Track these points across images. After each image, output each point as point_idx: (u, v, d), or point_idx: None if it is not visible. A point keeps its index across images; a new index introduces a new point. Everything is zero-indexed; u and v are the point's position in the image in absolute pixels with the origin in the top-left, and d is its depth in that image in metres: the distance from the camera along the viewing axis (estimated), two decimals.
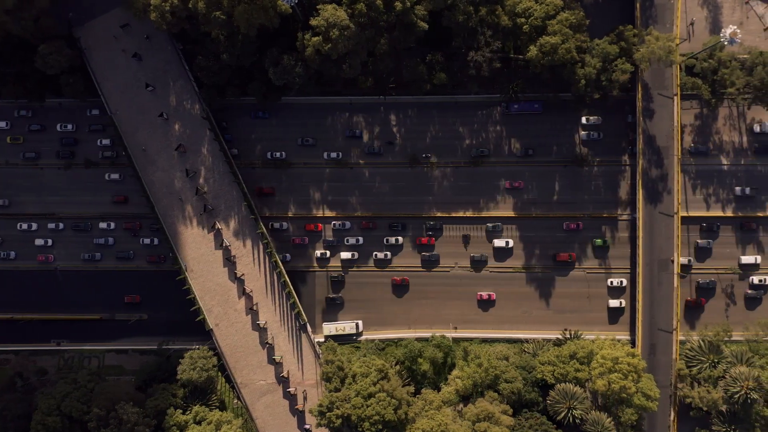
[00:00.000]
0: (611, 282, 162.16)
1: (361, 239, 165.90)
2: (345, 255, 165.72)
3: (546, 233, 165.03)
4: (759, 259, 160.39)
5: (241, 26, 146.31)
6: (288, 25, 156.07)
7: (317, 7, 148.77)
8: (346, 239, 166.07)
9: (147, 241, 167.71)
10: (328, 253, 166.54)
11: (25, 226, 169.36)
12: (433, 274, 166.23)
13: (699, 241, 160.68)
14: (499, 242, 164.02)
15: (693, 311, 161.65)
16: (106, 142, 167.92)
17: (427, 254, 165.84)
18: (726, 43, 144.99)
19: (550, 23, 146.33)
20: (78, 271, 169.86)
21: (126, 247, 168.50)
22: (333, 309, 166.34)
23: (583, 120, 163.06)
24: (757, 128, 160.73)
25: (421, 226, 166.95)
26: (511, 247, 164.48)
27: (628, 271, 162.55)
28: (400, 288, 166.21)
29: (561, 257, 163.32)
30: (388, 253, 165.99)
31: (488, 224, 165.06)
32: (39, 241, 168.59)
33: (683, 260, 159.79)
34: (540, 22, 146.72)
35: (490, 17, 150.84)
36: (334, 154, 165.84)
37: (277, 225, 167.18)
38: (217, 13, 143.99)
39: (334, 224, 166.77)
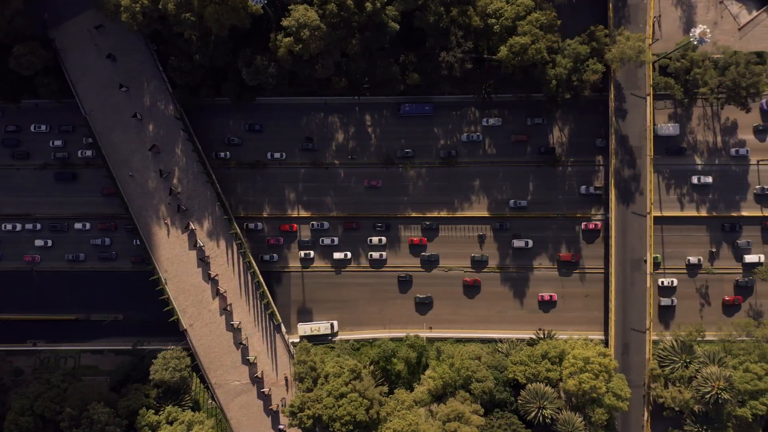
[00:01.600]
0: (662, 282, 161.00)
1: (336, 239, 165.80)
2: (338, 255, 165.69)
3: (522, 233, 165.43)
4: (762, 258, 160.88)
5: (212, 27, 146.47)
6: (261, 25, 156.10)
7: (289, 7, 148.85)
8: (321, 239, 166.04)
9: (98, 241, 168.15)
10: (312, 253, 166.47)
11: (9, 226, 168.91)
12: (432, 275, 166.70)
13: (738, 241, 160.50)
14: (518, 243, 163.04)
15: (730, 309, 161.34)
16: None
17: (426, 254, 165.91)
18: (695, 42, 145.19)
19: (520, 24, 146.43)
20: (54, 271, 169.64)
21: (107, 248, 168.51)
22: (423, 309, 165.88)
23: (483, 122, 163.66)
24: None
25: (398, 226, 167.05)
26: (531, 248, 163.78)
27: (602, 270, 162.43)
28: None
29: (565, 257, 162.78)
30: (383, 253, 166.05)
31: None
32: (39, 242, 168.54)
33: (693, 259, 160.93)
34: (510, 22, 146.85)
35: (462, 18, 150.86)
36: (277, 155, 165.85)
37: (252, 225, 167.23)
38: (186, 14, 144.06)
39: (312, 224, 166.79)
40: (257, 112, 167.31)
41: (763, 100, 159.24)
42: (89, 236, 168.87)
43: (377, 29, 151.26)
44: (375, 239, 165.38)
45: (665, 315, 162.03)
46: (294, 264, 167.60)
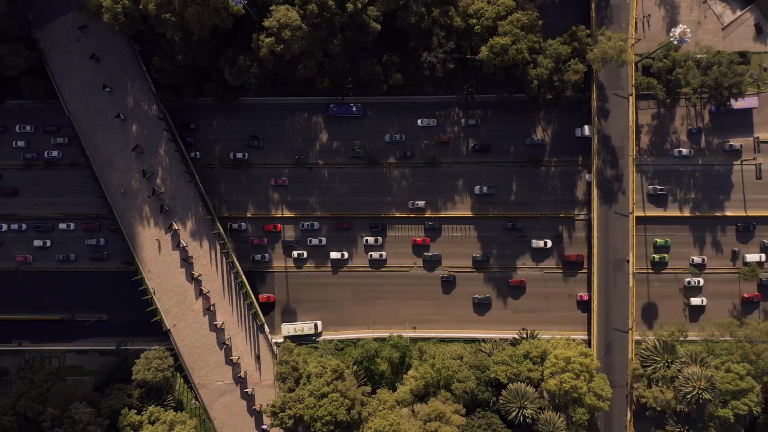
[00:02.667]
0: (689, 282, 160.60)
1: (324, 239, 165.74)
2: (335, 255, 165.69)
3: (499, 232, 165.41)
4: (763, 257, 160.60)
5: (194, 27, 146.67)
6: (244, 25, 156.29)
7: (270, 8, 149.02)
8: (309, 239, 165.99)
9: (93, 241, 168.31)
10: (305, 253, 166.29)
11: (5, 227, 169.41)
12: (433, 275, 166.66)
13: (764, 240, 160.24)
14: (537, 243, 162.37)
15: (749, 306, 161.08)
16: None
17: (428, 254, 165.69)
18: (675, 42, 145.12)
19: (501, 24, 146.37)
20: (40, 272, 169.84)
21: (100, 248, 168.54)
22: (481, 309, 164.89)
23: (419, 122, 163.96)
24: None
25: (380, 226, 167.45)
26: (550, 248, 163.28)
27: (585, 271, 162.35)
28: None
29: (570, 257, 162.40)
30: (384, 253, 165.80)
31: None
32: (37, 242, 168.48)
33: (698, 259, 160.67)
34: (491, 22, 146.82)
35: (443, 18, 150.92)
36: (239, 155, 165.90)
37: (235, 225, 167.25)
38: (167, 15, 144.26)
39: (302, 224, 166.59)
40: (239, 112, 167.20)
41: (712, 105, 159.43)
42: (74, 237, 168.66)
43: (359, 29, 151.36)
44: (371, 239, 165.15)
45: (695, 314, 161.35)
46: (278, 264, 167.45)
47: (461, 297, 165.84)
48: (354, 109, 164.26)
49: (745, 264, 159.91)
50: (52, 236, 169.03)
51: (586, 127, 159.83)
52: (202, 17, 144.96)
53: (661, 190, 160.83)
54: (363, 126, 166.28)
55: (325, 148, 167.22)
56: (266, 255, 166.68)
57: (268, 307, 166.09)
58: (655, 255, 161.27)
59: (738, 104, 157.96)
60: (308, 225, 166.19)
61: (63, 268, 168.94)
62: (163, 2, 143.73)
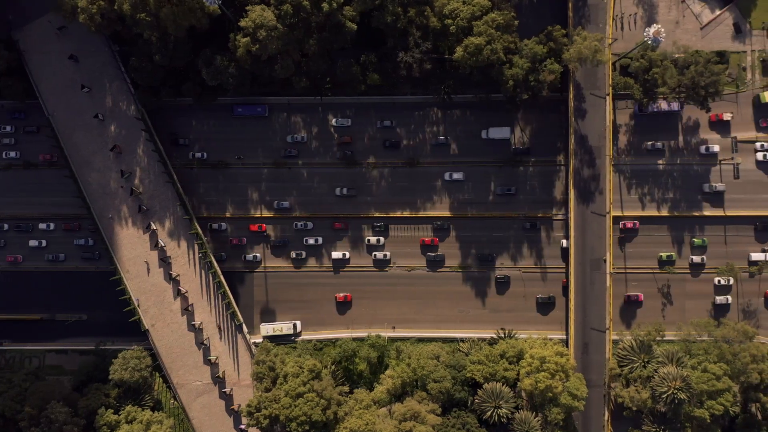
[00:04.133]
0: (718, 281, 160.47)
1: (320, 239, 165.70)
2: (336, 255, 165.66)
3: (481, 233, 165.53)
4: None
5: (169, 27, 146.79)
6: (222, 25, 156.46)
7: (246, 8, 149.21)
8: (305, 239, 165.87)
9: (81, 242, 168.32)
10: (304, 254, 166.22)
11: None
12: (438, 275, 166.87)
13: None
14: (565, 243, 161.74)
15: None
16: None
17: (432, 254, 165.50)
18: (650, 42, 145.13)
19: (476, 24, 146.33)
20: (20, 271, 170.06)
21: (90, 248, 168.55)
22: (545, 309, 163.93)
23: (333, 121, 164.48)
24: None
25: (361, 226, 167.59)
26: (566, 248, 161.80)
27: (563, 270, 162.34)
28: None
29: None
30: (388, 253, 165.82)
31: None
32: (33, 242, 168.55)
33: (697, 259, 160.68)
34: (466, 23, 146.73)
35: (419, 18, 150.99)
36: (199, 154, 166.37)
37: (216, 225, 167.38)
38: (142, 15, 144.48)
39: (296, 224, 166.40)
40: (220, 112, 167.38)
41: (637, 105, 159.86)
42: (66, 237, 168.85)
43: (335, 29, 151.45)
44: (373, 239, 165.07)
45: (720, 313, 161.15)
46: (270, 264, 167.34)
47: (442, 296, 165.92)
48: (259, 109, 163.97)
49: (753, 263, 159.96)
50: (36, 236, 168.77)
51: (492, 130, 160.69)
52: (178, 17, 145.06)
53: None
54: (269, 126, 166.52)
55: (305, 147, 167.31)
56: (257, 255, 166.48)
57: (345, 306, 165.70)
58: (662, 254, 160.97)
59: (663, 107, 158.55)
60: (301, 225, 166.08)
61: (52, 268, 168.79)
62: (137, 2, 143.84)
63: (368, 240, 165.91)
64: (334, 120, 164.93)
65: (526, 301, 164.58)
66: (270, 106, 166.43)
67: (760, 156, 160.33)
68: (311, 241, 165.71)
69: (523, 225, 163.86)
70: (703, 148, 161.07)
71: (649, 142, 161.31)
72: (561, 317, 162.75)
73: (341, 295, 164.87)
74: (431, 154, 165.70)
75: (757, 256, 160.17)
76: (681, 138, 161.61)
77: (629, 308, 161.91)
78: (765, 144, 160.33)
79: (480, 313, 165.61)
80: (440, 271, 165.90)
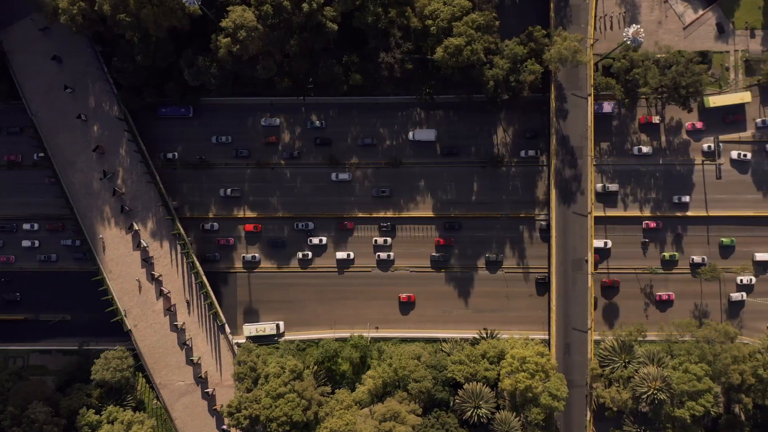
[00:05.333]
0: (741, 280, 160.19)
1: (324, 239, 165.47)
2: (340, 255, 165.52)
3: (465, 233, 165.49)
4: None
5: (150, 28, 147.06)
6: (205, 26, 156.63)
7: (227, 8, 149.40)
8: (309, 239, 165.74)
9: (68, 242, 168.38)
10: (310, 254, 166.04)
11: None
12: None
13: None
14: (597, 243, 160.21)
15: None
16: None
17: (438, 255, 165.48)
18: (629, 42, 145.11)
19: (455, 25, 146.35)
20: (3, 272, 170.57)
21: (78, 248, 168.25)
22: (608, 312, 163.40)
23: (262, 121, 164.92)
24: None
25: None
26: (609, 248, 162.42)
27: (545, 270, 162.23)
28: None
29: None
30: (392, 253, 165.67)
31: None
32: (26, 243, 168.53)
33: (698, 258, 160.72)
34: (446, 23, 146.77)
35: (400, 19, 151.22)
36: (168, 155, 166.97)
37: (208, 226, 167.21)
38: (122, 15, 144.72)
39: (296, 224, 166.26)
40: (203, 113, 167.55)
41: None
42: (45, 237, 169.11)
43: (316, 30, 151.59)
44: (380, 240, 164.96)
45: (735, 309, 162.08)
46: (266, 265, 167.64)
47: (425, 296, 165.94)
48: (183, 110, 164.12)
49: (756, 263, 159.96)
50: (24, 237, 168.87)
51: (418, 131, 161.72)
52: (158, 18, 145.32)
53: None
54: (193, 126, 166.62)
55: (286, 147, 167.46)
56: (255, 255, 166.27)
57: (408, 306, 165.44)
58: (665, 253, 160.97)
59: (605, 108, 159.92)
60: (303, 225, 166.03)
61: (44, 268, 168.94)
62: (117, 3, 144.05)
63: (375, 240, 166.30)
64: (262, 120, 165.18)
65: (509, 301, 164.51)
66: (198, 108, 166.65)
67: (705, 148, 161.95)
68: (315, 240, 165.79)
69: (507, 225, 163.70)
70: (636, 150, 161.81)
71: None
72: (544, 317, 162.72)
73: (404, 295, 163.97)
74: (412, 154, 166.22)
75: (761, 256, 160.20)
76: (614, 139, 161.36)
77: (661, 307, 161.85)
78: (712, 146, 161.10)
79: (463, 313, 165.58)
80: (423, 272, 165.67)
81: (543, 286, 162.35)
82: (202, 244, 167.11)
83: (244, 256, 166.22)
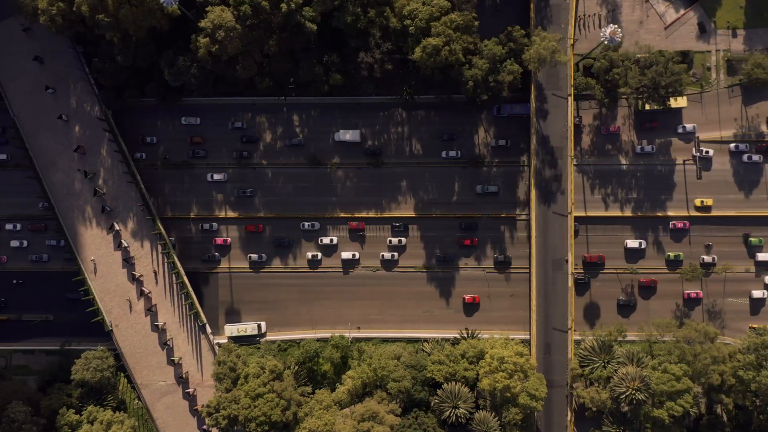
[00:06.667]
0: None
1: (335, 239, 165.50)
2: (345, 255, 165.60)
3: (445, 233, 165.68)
4: None
5: (129, 28, 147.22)
6: (186, 26, 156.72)
7: (206, 9, 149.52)
8: (320, 239, 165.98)
9: (53, 242, 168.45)
10: (319, 254, 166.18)
11: None
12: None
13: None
14: (632, 243, 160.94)
15: None
16: None
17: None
18: (606, 42, 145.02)
19: (434, 25, 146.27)
20: None
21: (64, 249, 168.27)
22: (626, 311, 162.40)
23: (182, 120, 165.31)
24: None
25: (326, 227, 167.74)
26: (644, 248, 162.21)
27: (527, 270, 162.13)
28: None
29: (591, 258, 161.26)
30: (395, 253, 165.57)
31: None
32: (14, 243, 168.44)
33: (708, 258, 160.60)
34: (424, 23, 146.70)
35: (379, 19, 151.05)
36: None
37: (207, 226, 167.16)
38: (100, 16, 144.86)
39: (303, 224, 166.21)
40: (185, 113, 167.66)
41: (495, 107, 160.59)
42: (34, 237, 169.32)
43: (296, 30, 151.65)
44: (395, 240, 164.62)
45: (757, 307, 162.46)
46: (239, 265, 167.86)
47: (406, 296, 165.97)
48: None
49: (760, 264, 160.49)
50: (15, 236, 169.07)
51: (341, 132, 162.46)
52: (137, 18, 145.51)
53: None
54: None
55: (269, 147, 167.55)
56: (263, 255, 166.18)
57: (473, 308, 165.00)
58: (669, 253, 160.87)
59: (518, 109, 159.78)
60: (309, 225, 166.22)
61: (37, 269, 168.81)
62: (96, 4, 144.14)
63: (331, 240, 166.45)
64: (183, 119, 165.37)
65: (491, 301, 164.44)
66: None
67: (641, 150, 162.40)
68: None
69: (488, 225, 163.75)
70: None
71: (501, 141, 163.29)
72: (525, 317, 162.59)
73: (469, 296, 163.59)
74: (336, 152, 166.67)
75: (762, 256, 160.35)
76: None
77: (689, 306, 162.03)
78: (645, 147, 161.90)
79: (445, 312, 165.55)
80: (405, 271, 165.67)
81: (583, 286, 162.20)
82: (200, 245, 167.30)
83: (250, 256, 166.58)
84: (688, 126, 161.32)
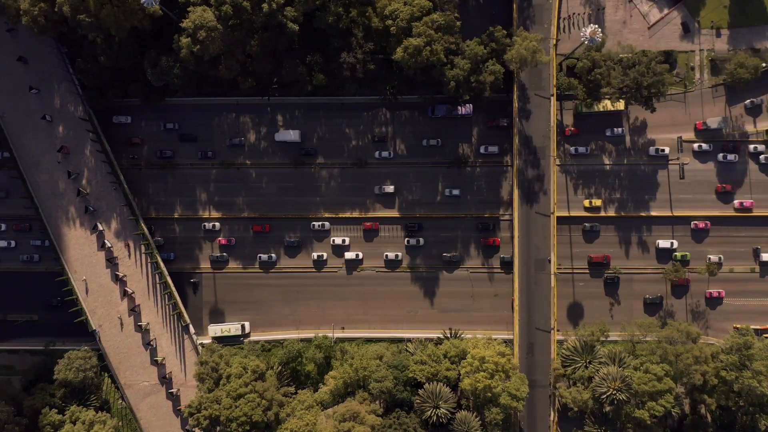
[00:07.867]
0: None
1: (347, 239, 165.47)
2: (349, 255, 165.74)
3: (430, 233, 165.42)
4: None
5: (111, 29, 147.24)
6: (169, 26, 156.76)
7: (188, 9, 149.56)
8: (332, 239, 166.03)
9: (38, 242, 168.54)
10: (324, 255, 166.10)
11: None
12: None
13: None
14: (664, 243, 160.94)
15: None
16: None
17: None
18: (587, 42, 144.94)
19: (415, 25, 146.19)
20: None
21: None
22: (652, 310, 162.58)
23: (113, 118, 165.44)
24: None
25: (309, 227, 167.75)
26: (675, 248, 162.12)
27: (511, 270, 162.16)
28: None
29: (596, 258, 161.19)
30: (399, 253, 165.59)
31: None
32: (1, 243, 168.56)
33: (714, 257, 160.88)
34: (405, 23, 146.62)
35: (361, 19, 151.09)
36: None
37: (209, 226, 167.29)
38: (82, 16, 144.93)
39: (313, 225, 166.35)
40: (171, 113, 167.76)
41: (430, 107, 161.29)
42: (21, 237, 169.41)
43: (278, 30, 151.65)
44: (413, 240, 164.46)
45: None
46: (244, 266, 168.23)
47: (391, 296, 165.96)
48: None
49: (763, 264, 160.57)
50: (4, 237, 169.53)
51: (280, 132, 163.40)
52: (119, 18, 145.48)
53: None
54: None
55: (254, 147, 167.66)
56: (272, 255, 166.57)
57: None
58: (677, 253, 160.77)
59: (463, 110, 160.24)
60: (320, 225, 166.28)
61: (29, 269, 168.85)
62: (77, 4, 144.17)
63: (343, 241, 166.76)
64: (113, 117, 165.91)
65: (475, 301, 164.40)
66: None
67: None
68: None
69: (475, 225, 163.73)
70: (482, 148, 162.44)
71: (432, 140, 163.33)
72: (509, 317, 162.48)
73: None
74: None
75: (766, 257, 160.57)
76: (474, 140, 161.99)
77: (711, 304, 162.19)
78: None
79: (428, 313, 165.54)
80: (392, 272, 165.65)
81: (612, 286, 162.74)
82: (201, 244, 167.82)
83: (260, 256, 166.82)
84: (617, 130, 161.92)
